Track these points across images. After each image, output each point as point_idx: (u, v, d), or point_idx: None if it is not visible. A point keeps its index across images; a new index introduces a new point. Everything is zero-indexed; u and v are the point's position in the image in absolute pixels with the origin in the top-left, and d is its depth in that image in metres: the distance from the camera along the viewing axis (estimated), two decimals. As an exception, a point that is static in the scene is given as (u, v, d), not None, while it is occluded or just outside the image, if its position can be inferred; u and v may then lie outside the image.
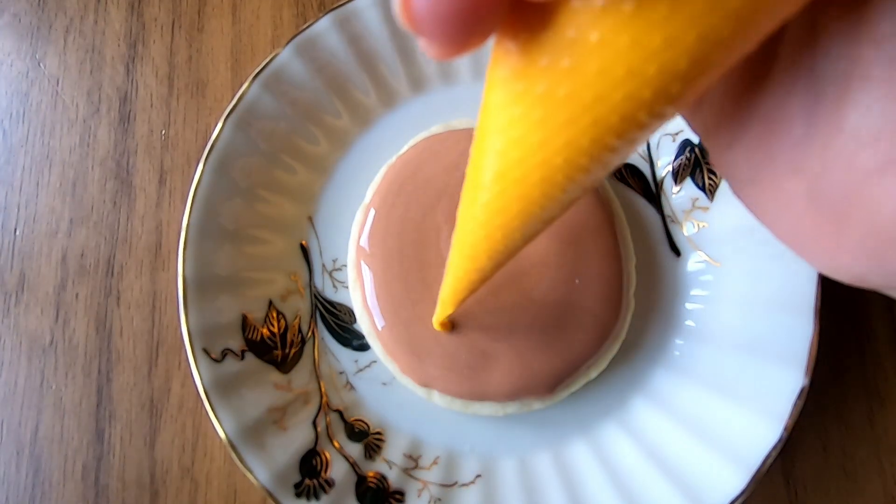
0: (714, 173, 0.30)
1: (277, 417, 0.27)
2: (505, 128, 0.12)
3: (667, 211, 0.31)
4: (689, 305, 0.30)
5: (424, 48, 0.10)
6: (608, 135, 0.11)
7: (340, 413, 0.29)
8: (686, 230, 0.31)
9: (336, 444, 0.28)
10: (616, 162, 0.12)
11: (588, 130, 0.11)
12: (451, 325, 0.26)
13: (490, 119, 0.13)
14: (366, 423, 0.29)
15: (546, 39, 0.10)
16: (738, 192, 0.14)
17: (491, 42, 0.12)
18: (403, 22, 0.10)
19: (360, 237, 0.29)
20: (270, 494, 0.26)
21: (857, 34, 0.10)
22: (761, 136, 0.13)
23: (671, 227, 0.31)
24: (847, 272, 0.12)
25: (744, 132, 0.13)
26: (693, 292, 0.30)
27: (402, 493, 0.27)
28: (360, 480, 0.27)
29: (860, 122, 0.10)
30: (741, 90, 0.13)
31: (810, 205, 0.12)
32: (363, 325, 0.28)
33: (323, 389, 0.29)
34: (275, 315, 0.29)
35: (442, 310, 0.23)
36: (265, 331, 0.29)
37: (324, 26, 0.30)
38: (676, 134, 0.31)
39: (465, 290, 0.20)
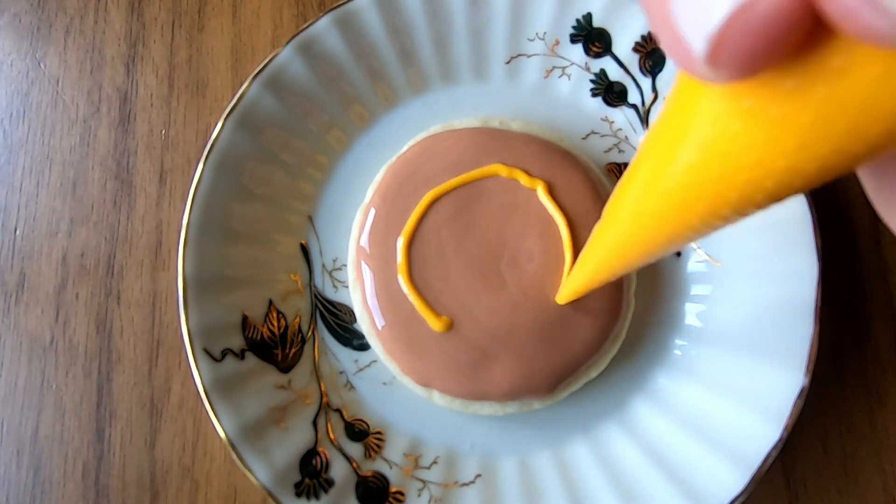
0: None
1: (277, 417, 0.27)
2: (712, 141, 0.11)
3: (667, 211, 0.31)
4: (689, 305, 0.30)
5: (701, 75, 0.09)
6: (837, 168, 0.10)
7: (340, 413, 0.29)
8: (686, 230, 0.31)
9: (336, 443, 0.28)
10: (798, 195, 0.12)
11: (821, 160, 0.10)
12: (451, 323, 0.27)
13: (689, 127, 0.12)
14: (366, 423, 0.29)
15: (801, 63, 0.09)
16: None
17: None
18: (701, 59, 0.09)
19: (360, 237, 0.29)
20: (270, 494, 0.26)
21: None
22: None
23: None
24: None
25: None
26: (693, 292, 0.30)
27: (402, 493, 0.27)
28: (360, 480, 0.27)
29: None
30: None
31: None
32: (363, 324, 0.28)
33: (323, 389, 0.29)
34: (275, 315, 0.29)
35: (567, 293, 0.24)
36: (265, 330, 0.29)
37: (324, 26, 0.30)
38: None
39: (601, 279, 0.20)
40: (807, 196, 0.28)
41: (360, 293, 0.28)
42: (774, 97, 0.10)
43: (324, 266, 0.31)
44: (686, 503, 0.26)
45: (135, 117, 0.34)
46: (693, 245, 0.30)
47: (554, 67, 0.32)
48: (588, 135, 0.32)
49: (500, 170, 0.28)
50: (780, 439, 0.25)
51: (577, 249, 0.27)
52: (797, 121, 0.10)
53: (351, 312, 0.30)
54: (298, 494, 0.26)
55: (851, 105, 0.09)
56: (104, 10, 0.35)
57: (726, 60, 0.09)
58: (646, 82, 0.31)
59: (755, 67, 0.09)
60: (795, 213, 0.28)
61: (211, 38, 0.34)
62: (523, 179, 0.28)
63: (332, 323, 0.30)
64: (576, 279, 0.22)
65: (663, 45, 0.10)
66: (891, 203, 0.13)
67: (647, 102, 0.31)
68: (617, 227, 0.16)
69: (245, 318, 0.29)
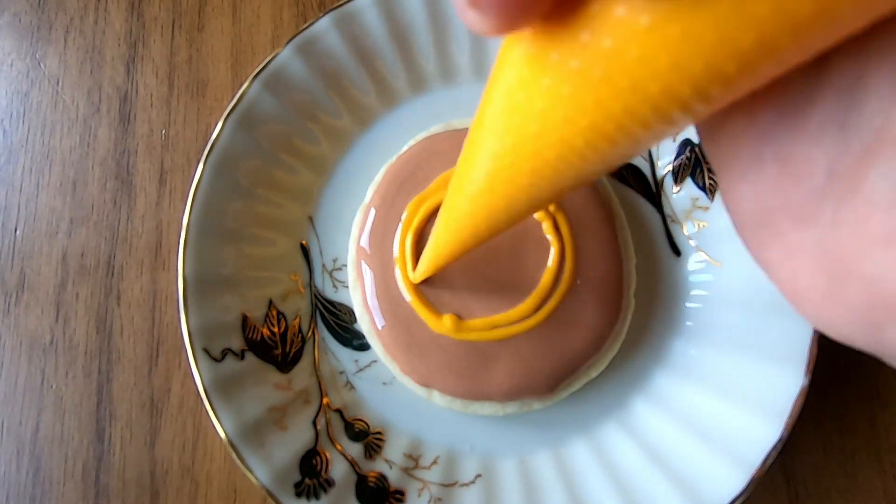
0: (714, 173, 0.30)
1: (277, 417, 0.27)
2: (525, 101, 0.12)
3: (667, 210, 0.31)
4: (689, 305, 0.30)
5: (471, 22, 0.10)
6: (634, 124, 0.10)
7: (340, 413, 0.29)
8: (686, 230, 0.31)
9: (336, 443, 0.28)
10: (628, 155, 0.12)
11: (616, 116, 0.10)
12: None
13: (506, 89, 0.12)
14: (366, 423, 0.29)
15: (592, 14, 0.10)
16: (742, 232, 0.14)
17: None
18: (464, 4, 0.10)
19: (360, 237, 0.29)
20: (270, 494, 0.26)
21: None
22: (779, 177, 0.12)
23: (671, 226, 0.31)
24: (837, 331, 0.12)
25: (761, 168, 0.12)
26: (693, 292, 0.30)
27: (402, 493, 0.27)
28: (361, 480, 0.27)
29: (878, 186, 0.10)
30: (770, 123, 0.12)
31: (813, 258, 0.12)
32: (363, 324, 0.28)
33: (323, 389, 0.29)
34: (275, 315, 0.29)
35: (419, 273, 0.24)
36: (265, 330, 0.29)
37: (324, 26, 0.30)
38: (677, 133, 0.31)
39: (443, 259, 0.21)
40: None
41: (360, 293, 0.28)
42: (572, 50, 0.10)
43: (324, 266, 0.31)
44: (686, 503, 0.26)
45: (135, 117, 0.34)
46: (693, 245, 0.30)
47: (554, 67, 0.32)
48: (588, 135, 0.32)
49: None
50: (780, 439, 0.25)
51: (579, 246, 0.27)
52: (591, 74, 0.10)
53: (351, 312, 0.30)
54: (298, 494, 0.26)
55: (632, 59, 0.10)
56: (104, 10, 0.35)
57: (484, 4, 0.10)
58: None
59: (515, 17, 0.10)
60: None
61: (211, 38, 0.34)
62: None
63: (332, 323, 0.30)
64: (426, 256, 0.22)
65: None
66: (712, 145, 0.14)
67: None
68: (452, 197, 0.17)
69: (245, 318, 0.29)
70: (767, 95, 0.12)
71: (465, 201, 0.16)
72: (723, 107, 0.10)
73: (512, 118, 0.12)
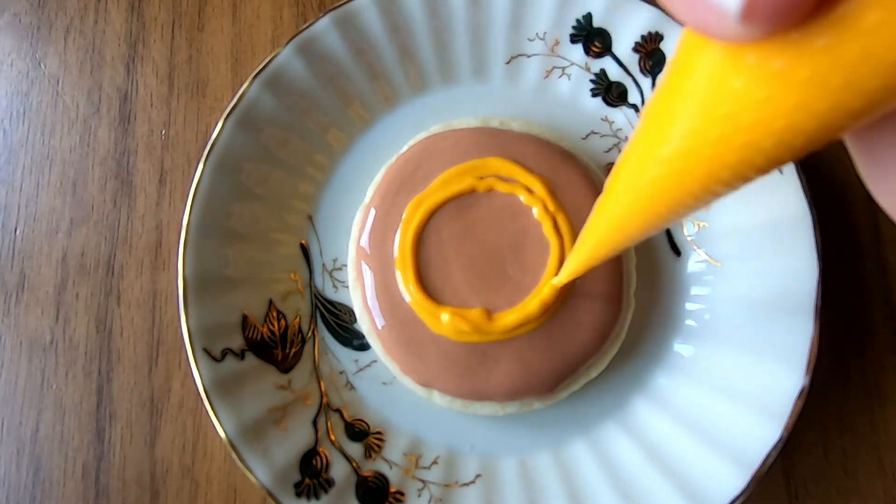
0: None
1: (277, 417, 0.27)
2: (712, 102, 0.11)
3: (667, 211, 0.31)
4: (689, 305, 0.30)
5: (736, 35, 0.09)
6: (834, 126, 0.10)
7: (340, 413, 0.29)
8: (686, 230, 0.31)
9: (336, 443, 0.28)
10: (799, 157, 0.12)
11: (819, 117, 0.10)
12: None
13: (688, 89, 0.12)
14: (366, 423, 0.29)
15: (836, 18, 0.09)
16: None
17: None
18: (735, 16, 0.09)
19: (360, 237, 0.29)
20: (270, 494, 0.26)
21: None
22: None
23: (672, 226, 0.31)
24: None
25: None
26: (693, 292, 0.30)
27: (402, 493, 0.27)
28: (361, 480, 0.27)
29: None
30: None
31: None
32: (363, 324, 0.28)
33: (323, 389, 0.29)
34: (275, 315, 0.29)
35: (566, 273, 0.23)
36: (265, 330, 0.29)
37: (324, 26, 0.30)
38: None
39: (599, 257, 0.20)
40: (807, 196, 0.28)
41: (360, 293, 0.28)
42: (776, 51, 0.10)
43: (324, 266, 0.31)
44: (686, 503, 0.26)
45: (135, 117, 0.34)
46: (693, 245, 0.30)
47: (554, 67, 0.32)
48: (588, 135, 0.32)
49: (499, 165, 0.28)
50: (780, 439, 0.25)
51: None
52: (796, 75, 0.10)
53: (351, 312, 0.30)
54: (298, 494, 0.26)
55: (848, 57, 0.09)
56: (104, 10, 0.35)
57: (760, 14, 0.09)
58: (646, 82, 0.31)
59: (787, 20, 0.09)
60: (795, 213, 0.28)
61: (211, 38, 0.34)
62: (523, 195, 0.28)
63: (332, 323, 0.30)
64: (577, 256, 0.22)
65: (690, 18, 0.10)
66: (881, 178, 0.13)
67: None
68: (617, 198, 0.16)
69: (245, 318, 0.29)
70: None
71: (641, 197, 0.15)
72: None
73: (721, 107, 0.11)
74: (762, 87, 0.10)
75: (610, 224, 0.17)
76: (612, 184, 0.16)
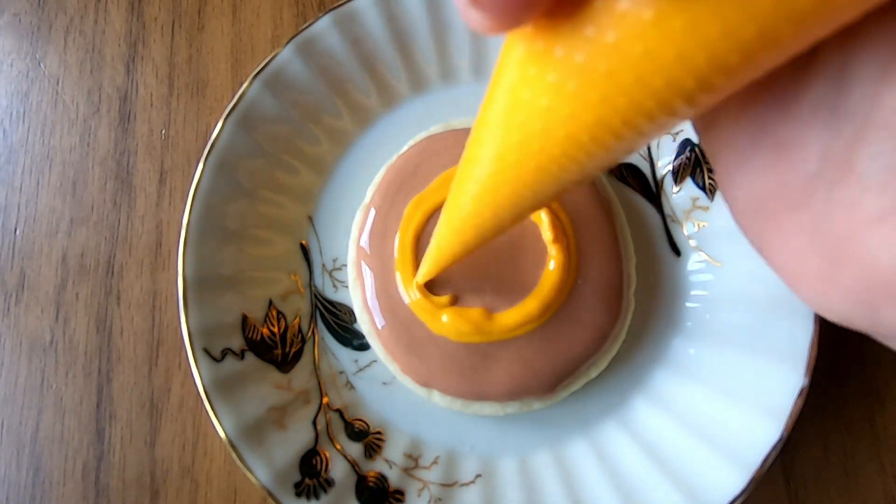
0: (711, 163, 0.30)
1: (277, 417, 0.27)
2: (530, 98, 0.12)
3: (667, 210, 0.31)
4: (689, 305, 0.30)
5: (473, 21, 0.10)
6: (640, 117, 0.10)
7: (340, 412, 0.29)
8: (686, 230, 0.31)
9: (336, 443, 0.28)
10: (633, 149, 0.12)
11: (621, 111, 0.10)
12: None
13: (510, 87, 0.12)
14: (366, 423, 0.29)
15: (596, 8, 0.10)
16: (740, 219, 0.14)
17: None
18: (465, 2, 0.10)
19: (360, 237, 0.29)
20: (270, 494, 0.26)
21: (887, 80, 0.10)
22: (774, 162, 0.12)
23: (671, 226, 0.31)
24: (835, 313, 0.12)
25: (756, 155, 0.13)
26: (693, 292, 0.30)
27: (402, 493, 0.27)
28: (360, 480, 0.27)
29: (869, 168, 0.10)
30: (763, 110, 0.12)
31: (810, 241, 0.12)
32: (363, 324, 0.28)
33: (323, 389, 0.29)
34: (275, 315, 0.29)
35: (422, 274, 0.24)
36: (265, 330, 0.29)
37: (324, 26, 0.30)
38: (677, 133, 0.31)
39: (447, 259, 0.21)
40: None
41: (360, 293, 0.28)
42: (577, 45, 0.10)
43: (324, 266, 0.31)
44: (686, 503, 0.26)
45: (135, 117, 0.34)
46: (693, 245, 0.30)
47: (554, 67, 0.32)
48: (588, 135, 0.32)
49: None
50: (780, 439, 0.25)
51: (579, 246, 0.27)
52: (596, 69, 0.10)
53: (351, 312, 0.30)
54: (298, 494, 0.26)
55: (632, 53, 0.10)
56: (104, 10, 0.35)
57: (486, 3, 0.10)
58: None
59: (517, 14, 0.10)
60: (795, 213, 0.28)
61: (211, 38, 0.34)
62: None
63: (332, 323, 0.30)
64: (427, 257, 0.23)
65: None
66: (708, 135, 0.14)
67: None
68: (455, 196, 0.17)
69: (245, 318, 0.29)
70: (760, 83, 0.12)
71: (469, 200, 0.16)
72: (724, 97, 0.11)
73: (517, 115, 0.12)
74: (570, 80, 0.11)
75: (451, 226, 0.18)
76: (452, 187, 0.17)
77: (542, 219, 0.27)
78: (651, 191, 0.31)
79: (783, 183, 0.12)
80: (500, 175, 0.14)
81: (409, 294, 0.27)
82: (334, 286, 0.31)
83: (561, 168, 0.12)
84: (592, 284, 0.27)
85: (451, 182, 0.17)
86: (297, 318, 0.30)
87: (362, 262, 0.28)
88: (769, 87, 0.12)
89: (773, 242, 0.13)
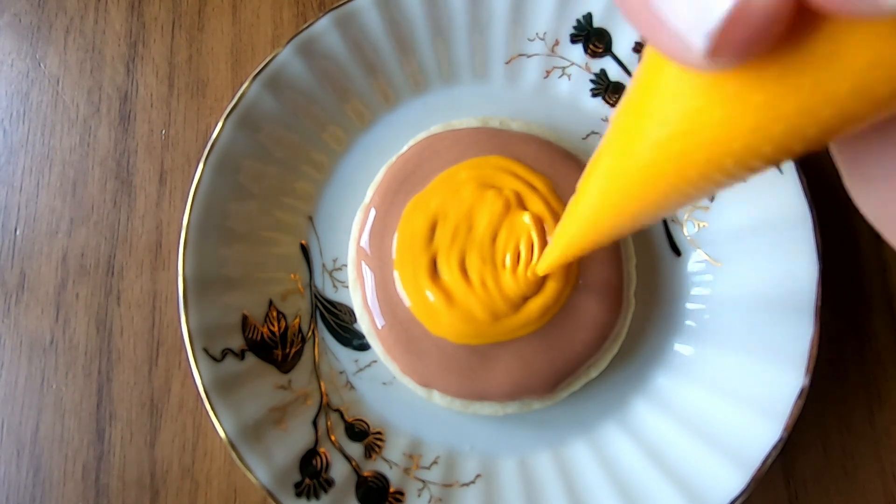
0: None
1: (277, 417, 0.27)
2: (672, 118, 0.12)
3: (667, 211, 0.31)
4: (689, 305, 0.30)
5: (702, 66, 0.10)
6: (788, 148, 0.10)
7: (340, 413, 0.29)
8: (686, 230, 0.31)
9: (336, 443, 0.28)
10: (771, 166, 0.12)
11: (773, 140, 0.10)
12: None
13: (654, 104, 0.12)
14: (366, 423, 0.29)
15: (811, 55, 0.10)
16: (890, 234, 0.13)
17: None
18: (701, 54, 0.09)
19: (360, 237, 0.29)
20: (270, 494, 0.26)
21: None
22: None
23: (671, 226, 0.31)
24: None
25: None
26: (693, 292, 0.30)
27: (402, 493, 0.27)
28: (360, 480, 0.27)
29: None
30: None
31: None
32: (363, 324, 0.28)
33: (323, 389, 0.29)
34: (275, 315, 0.29)
35: (546, 264, 0.23)
36: (265, 330, 0.29)
37: (324, 26, 0.30)
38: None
39: (577, 251, 0.20)
40: (807, 196, 0.28)
41: (360, 293, 0.28)
42: (731, 74, 0.10)
43: (324, 266, 0.31)
44: (686, 503, 0.26)
45: (135, 117, 0.34)
46: (693, 245, 0.30)
47: (554, 67, 0.32)
48: (588, 135, 0.32)
49: (500, 163, 0.28)
50: (780, 439, 0.25)
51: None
52: (751, 99, 0.10)
53: (351, 312, 0.30)
54: (298, 494, 0.26)
55: (800, 85, 0.10)
56: (104, 10, 0.35)
57: (725, 52, 0.09)
58: (646, 82, 0.31)
59: (751, 55, 0.10)
60: (795, 213, 0.28)
61: (211, 38, 0.34)
62: (525, 193, 0.27)
63: (332, 323, 0.30)
64: (552, 251, 0.23)
65: (655, 44, 0.10)
66: (860, 183, 0.13)
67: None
68: (588, 201, 0.17)
69: (245, 318, 0.29)
70: None
71: (615, 193, 0.15)
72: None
73: (681, 124, 0.12)
74: (718, 108, 0.11)
75: (582, 225, 0.18)
76: (584, 186, 0.17)
77: (546, 219, 0.27)
78: (651, 191, 0.31)
79: None
80: (656, 182, 0.13)
81: (409, 297, 0.27)
82: (334, 286, 0.31)
83: (728, 176, 0.12)
84: (593, 285, 0.27)
85: (582, 182, 0.17)
86: (298, 318, 0.30)
87: (362, 263, 0.28)
88: None
89: None
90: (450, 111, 0.32)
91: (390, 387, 0.29)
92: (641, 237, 0.31)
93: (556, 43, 0.32)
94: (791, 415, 0.26)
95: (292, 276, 0.30)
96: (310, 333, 0.30)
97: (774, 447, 0.25)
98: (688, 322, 0.30)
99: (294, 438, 0.27)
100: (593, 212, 0.17)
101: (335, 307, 0.30)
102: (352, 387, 0.29)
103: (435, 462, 0.28)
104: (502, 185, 0.27)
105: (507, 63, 0.32)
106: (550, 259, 0.23)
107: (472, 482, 0.28)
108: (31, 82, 0.34)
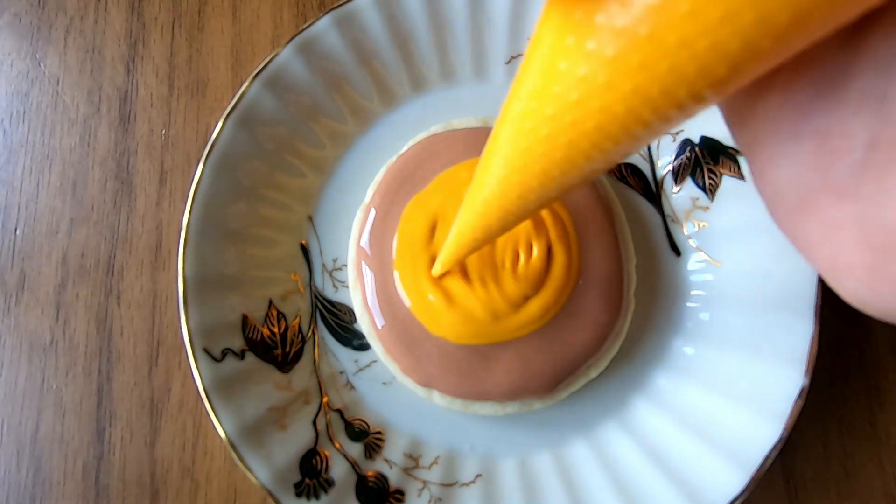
0: (715, 173, 0.30)
1: (277, 417, 0.27)
2: (567, 68, 0.12)
3: (667, 210, 0.31)
4: (689, 305, 0.30)
5: None
6: (680, 87, 0.11)
7: (340, 413, 0.29)
8: (686, 230, 0.31)
9: (336, 443, 0.28)
10: (657, 133, 0.12)
11: (660, 78, 0.11)
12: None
13: (547, 59, 0.12)
14: (366, 423, 0.29)
15: (629, 1, 0.10)
16: (777, 213, 0.14)
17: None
18: None
19: (360, 237, 0.29)
20: (270, 494, 0.26)
21: None
22: (817, 153, 0.12)
23: (671, 226, 0.31)
24: (881, 308, 0.12)
25: (798, 146, 0.12)
26: (693, 292, 0.30)
27: (402, 493, 0.27)
28: (360, 480, 0.27)
29: None
30: (807, 100, 0.12)
31: (855, 233, 0.12)
32: (363, 324, 0.28)
33: (323, 389, 0.29)
34: (275, 315, 0.29)
35: (441, 265, 0.24)
36: (265, 330, 0.29)
37: (324, 26, 0.30)
38: (677, 133, 0.31)
39: (467, 247, 0.20)
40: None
41: (360, 293, 0.28)
42: (609, 38, 0.11)
43: (324, 266, 0.31)
44: (686, 503, 0.26)
45: (135, 117, 0.34)
46: (693, 245, 0.30)
47: (554, 67, 0.32)
48: (588, 135, 0.32)
49: None
50: (780, 439, 0.25)
51: (580, 246, 0.27)
52: (629, 61, 0.11)
53: (351, 312, 0.30)
54: (298, 494, 0.26)
55: (671, 43, 0.10)
56: (104, 10, 0.35)
57: None
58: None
59: None
60: (795, 213, 0.28)
61: (211, 38, 0.34)
62: None
63: (332, 323, 0.30)
64: (447, 246, 0.22)
65: None
66: (743, 127, 0.14)
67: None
68: (488, 184, 0.17)
69: (245, 318, 0.29)
70: (803, 72, 0.12)
71: (497, 181, 0.15)
72: (749, 83, 0.11)
73: (552, 87, 0.12)
74: (609, 47, 0.11)
75: (474, 210, 0.18)
76: (480, 173, 0.17)
77: (546, 218, 0.27)
78: (651, 191, 0.31)
79: (827, 174, 0.12)
80: (531, 152, 0.13)
81: (420, 287, 0.27)
82: (334, 286, 0.31)
83: (592, 144, 0.12)
84: (593, 284, 0.27)
85: (476, 167, 0.17)
86: (298, 318, 0.30)
87: (362, 263, 0.28)
88: (813, 75, 0.12)
89: (814, 236, 0.13)
90: (450, 111, 0.32)
91: (390, 387, 0.29)
92: (641, 237, 0.31)
93: (556, 43, 0.32)
94: (791, 415, 0.26)
95: (292, 276, 0.30)
96: (310, 333, 0.30)
97: (774, 447, 0.25)
98: (688, 322, 0.30)
99: (294, 438, 0.27)
100: (494, 194, 0.16)
101: (335, 307, 0.30)
102: (352, 387, 0.29)
103: (435, 462, 0.28)
104: None
105: (507, 63, 0.32)
106: (447, 253, 0.22)
107: (472, 482, 0.28)
108: (31, 82, 0.34)
